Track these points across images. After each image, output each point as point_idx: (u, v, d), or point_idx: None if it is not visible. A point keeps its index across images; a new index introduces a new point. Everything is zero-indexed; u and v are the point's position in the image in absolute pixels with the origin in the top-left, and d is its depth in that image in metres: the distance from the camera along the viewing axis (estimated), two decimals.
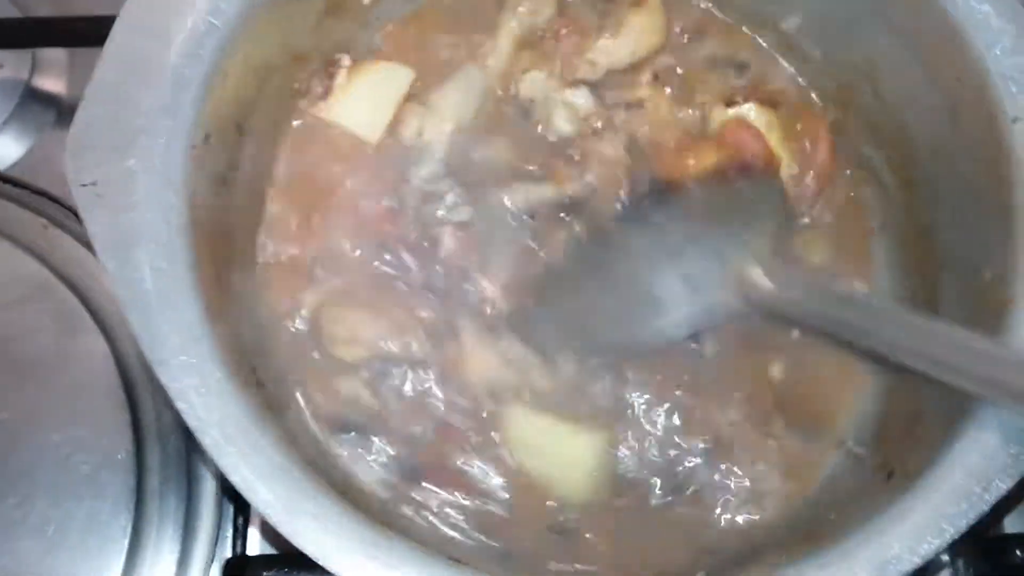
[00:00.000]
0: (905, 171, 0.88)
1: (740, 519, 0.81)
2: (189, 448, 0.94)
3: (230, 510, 0.95)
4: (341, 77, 0.88)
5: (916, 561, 0.64)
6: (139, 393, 0.93)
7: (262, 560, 0.91)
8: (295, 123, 0.88)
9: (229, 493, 0.95)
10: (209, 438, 0.63)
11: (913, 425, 0.77)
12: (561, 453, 0.82)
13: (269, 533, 0.95)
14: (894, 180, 0.90)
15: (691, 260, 0.82)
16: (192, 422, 0.63)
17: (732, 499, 0.82)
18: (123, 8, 0.71)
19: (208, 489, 0.94)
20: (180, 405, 0.63)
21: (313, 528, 0.62)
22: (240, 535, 0.94)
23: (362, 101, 0.88)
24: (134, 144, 0.68)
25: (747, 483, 0.83)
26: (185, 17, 0.71)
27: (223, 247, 0.75)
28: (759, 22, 0.94)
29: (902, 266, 0.90)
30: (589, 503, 0.81)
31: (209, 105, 0.72)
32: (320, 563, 0.62)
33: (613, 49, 0.89)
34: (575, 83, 0.89)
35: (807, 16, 0.90)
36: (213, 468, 0.95)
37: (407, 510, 0.80)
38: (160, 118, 0.69)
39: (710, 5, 0.95)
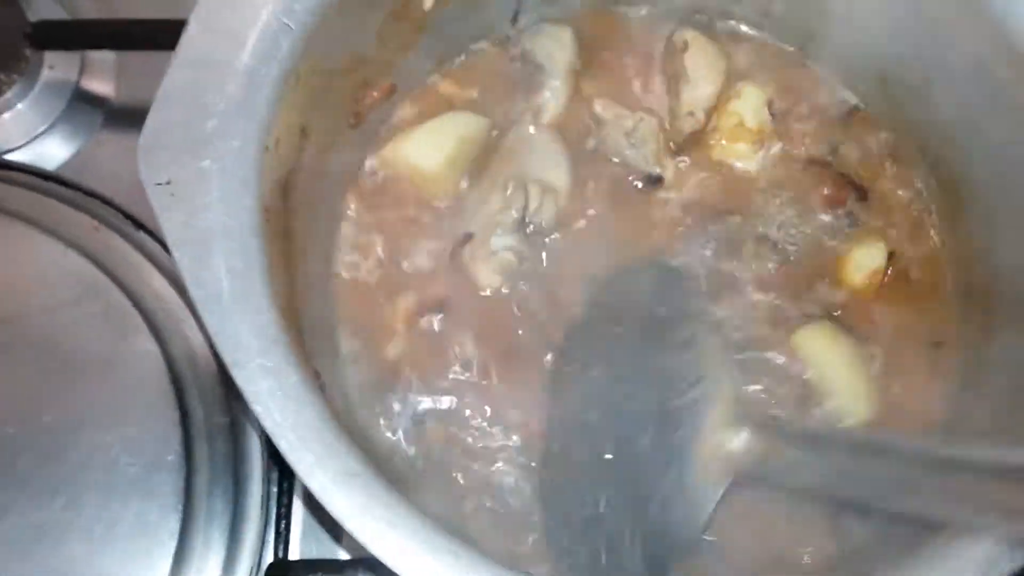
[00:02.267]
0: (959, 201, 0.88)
1: None
2: (236, 451, 0.94)
3: (273, 513, 0.94)
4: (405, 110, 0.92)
5: None
6: (188, 395, 0.93)
7: (304, 564, 0.91)
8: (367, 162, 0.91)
9: (274, 497, 0.94)
10: (286, 442, 0.63)
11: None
12: None
13: (310, 537, 0.95)
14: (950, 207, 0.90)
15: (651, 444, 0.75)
16: (268, 425, 0.63)
17: None
18: (195, 9, 0.71)
19: (254, 492, 0.94)
20: (256, 408, 0.63)
21: (389, 536, 0.62)
22: (283, 539, 0.94)
23: (432, 146, 0.90)
24: (208, 145, 0.68)
25: None
26: (258, 18, 0.71)
27: (288, 251, 0.75)
28: None
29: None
30: None
31: (281, 107, 0.72)
32: (395, 571, 0.61)
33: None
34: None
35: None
36: (259, 468, 0.94)
37: None
38: (234, 119, 0.69)
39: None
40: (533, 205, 0.87)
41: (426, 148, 0.90)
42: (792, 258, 0.88)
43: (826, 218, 0.90)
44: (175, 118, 0.68)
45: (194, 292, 0.65)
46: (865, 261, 0.88)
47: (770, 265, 0.88)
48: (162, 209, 0.66)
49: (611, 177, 0.91)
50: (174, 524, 0.88)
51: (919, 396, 0.84)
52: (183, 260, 0.65)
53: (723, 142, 0.92)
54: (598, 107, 0.92)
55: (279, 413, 0.63)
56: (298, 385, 0.64)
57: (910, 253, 0.89)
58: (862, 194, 0.90)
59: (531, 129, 0.91)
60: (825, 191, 0.90)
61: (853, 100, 0.94)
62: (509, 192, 0.87)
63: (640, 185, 0.91)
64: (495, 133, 0.92)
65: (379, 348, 0.85)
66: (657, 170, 0.91)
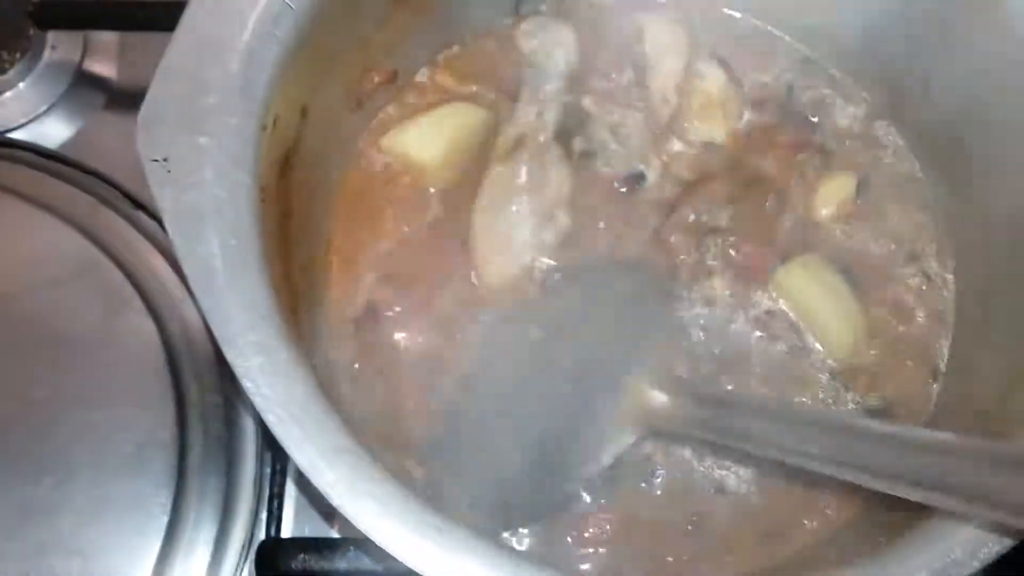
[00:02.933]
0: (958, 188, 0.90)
1: None
2: (230, 430, 0.94)
3: (266, 493, 0.95)
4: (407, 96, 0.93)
5: (975, 565, 0.64)
6: (184, 374, 0.93)
7: (296, 543, 0.91)
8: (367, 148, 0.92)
9: (266, 477, 0.95)
10: (274, 416, 0.63)
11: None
12: None
13: (302, 517, 0.96)
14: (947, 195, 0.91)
15: (589, 392, 0.81)
16: (257, 400, 0.63)
17: None
18: None
19: (247, 471, 0.95)
20: (246, 384, 0.63)
21: (375, 510, 0.62)
22: (274, 518, 0.94)
23: (430, 137, 0.91)
24: (205, 122, 0.68)
25: None
26: None
27: (286, 231, 0.75)
28: None
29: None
30: None
31: (280, 87, 0.72)
32: (381, 545, 0.61)
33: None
34: None
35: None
36: (253, 449, 0.95)
37: None
38: (232, 97, 0.69)
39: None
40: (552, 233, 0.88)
41: (425, 139, 0.91)
42: (766, 208, 0.91)
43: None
44: (174, 93, 0.69)
45: (187, 267, 0.65)
46: (833, 193, 0.91)
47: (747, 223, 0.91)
48: (158, 184, 0.66)
49: (597, 182, 0.92)
50: (166, 501, 0.89)
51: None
52: (177, 236, 0.65)
53: (695, 122, 0.93)
54: (587, 102, 0.92)
55: (268, 388, 0.63)
56: (288, 362, 0.64)
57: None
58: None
59: (540, 137, 0.91)
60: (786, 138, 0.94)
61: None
62: (532, 226, 0.88)
63: (624, 190, 0.92)
64: (494, 125, 0.93)
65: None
66: (640, 167, 0.92)
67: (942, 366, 0.89)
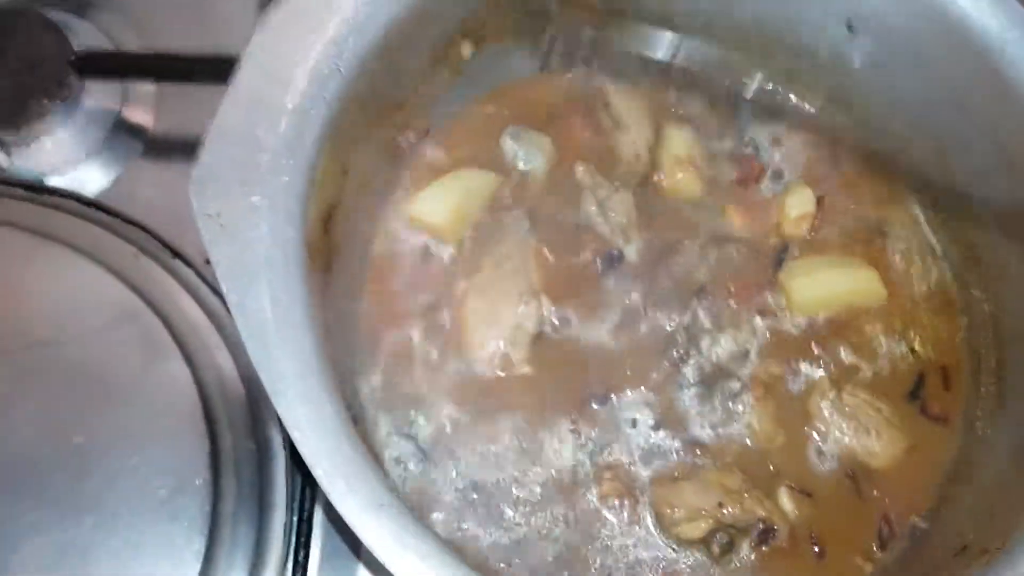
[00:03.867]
0: (974, 249, 0.92)
1: None
2: (262, 477, 0.95)
3: (293, 542, 0.95)
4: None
5: None
6: (218, 420, 0.94)
7: None
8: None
9: (294, 524, 0.96)
10: (321, 469, 0.65)
11: (984, 498, 0.78)
12: None
13: (327, 568, 0.97)
14: (963, 256, 0.94)
15: None
16: (305, 451, 0.65)
17: None
18: (248, 50, 0.74)
19: (278, 519, 0.95)
20: (295, 434, 0.65)
21: (420, 567, 0.63)
22: (300, 567, 0.95)
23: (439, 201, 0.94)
24: (258, 180, 0.71)
25: None
26: (308, 60, 0.74)
27: (326, 285, 0.77)
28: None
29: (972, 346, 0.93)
30: None
31: (327, 145, 0.74)
32: None
33: None
34: None
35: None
36: (283, 498, 0.96)
37: None
38: (283, 156, 0.72)
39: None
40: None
41: (434, 203, 0.94)
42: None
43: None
44: (227, 153, 0.71)
45: (240, 321, 0.67)
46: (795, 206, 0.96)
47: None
48: (211, 241, 0.68)
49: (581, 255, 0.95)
50: (199, 547, 0.89)
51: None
52: (230, 290, 0.68)
53: (664, 179, 0.97)
54: (579, 172, 0.96)
55: (316, 441, 0.65)
56: (333, 415, 0.67)
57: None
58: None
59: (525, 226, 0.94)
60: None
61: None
62: (522, 308, 0.90)
63: (600, 268, 0.94)
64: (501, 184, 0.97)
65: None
66: (620, 243, 0.94)
67: None
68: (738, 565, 0.84)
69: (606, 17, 0.96)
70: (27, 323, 0.96)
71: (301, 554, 0.95)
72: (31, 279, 0.98)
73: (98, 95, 1.14)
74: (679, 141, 0.98)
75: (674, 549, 0.85)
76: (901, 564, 0.84)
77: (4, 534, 0.87)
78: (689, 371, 0.90)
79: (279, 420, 0.68)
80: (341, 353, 0.81)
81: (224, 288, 0.67)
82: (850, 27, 0.89)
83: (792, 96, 1.00)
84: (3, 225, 0.99)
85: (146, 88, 1.16)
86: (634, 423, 0.88)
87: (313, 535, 0.96)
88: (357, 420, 0.77)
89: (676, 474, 0.86)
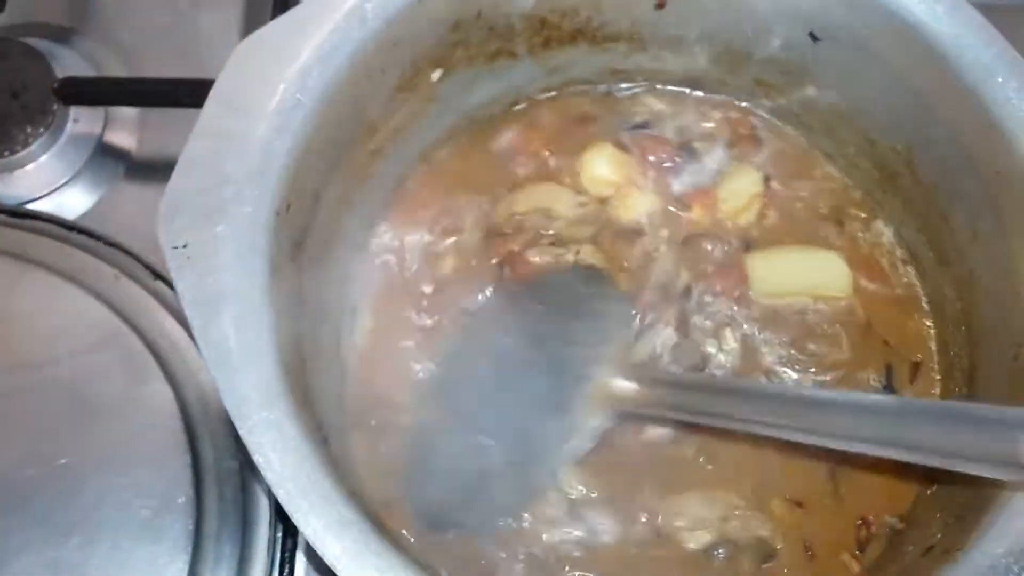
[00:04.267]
0: (943, 251, 0.93)
1: None
2: (245, 495, 0.97)
3: (277, 559, 0.98)
4: None
5: None
6: (200, 439, 0.96)
7: None
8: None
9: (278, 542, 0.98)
10: (284, 491, 0.67)
11: (951, 503, 0.79)
12: None
13: None
14: (932, 259, 0.94)
15: (554, 387, 0.86)
16: (269, 475, 0.67)
17: None
18: (216, 84, 0.76)
19: (261, 537, 0.97)
20: (258, 459, 0.67)
21: None
22: None
23: None
24: (223, 211, 0.73)
25: None
26: (274, 94, 0.76)
27: (299, 315, 0.79)
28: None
29: (942, 343, 0.94)
30: None
31: (293, 175, 0.76)
32: None
33: None
34: None
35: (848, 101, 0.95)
36: (266, 515, 0.98)
37: None
38: (248, 187, 0.73)
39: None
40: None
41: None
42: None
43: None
44: (193, 185, 0.73)
45: (204, 350, 0.69)
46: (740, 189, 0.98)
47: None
48: (177, 271, 0.70)
49: None
50: (183, 565, 0.91)
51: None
52: (195, 319, 0.69)
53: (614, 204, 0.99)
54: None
55: (279, 464, 0.67)
56: (298, 439, 0.68)
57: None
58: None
59: None
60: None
61: None
62: None
63: None
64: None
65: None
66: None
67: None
68: None
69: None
70: (10, 346, 0.98)
71: (285, 570, 0.97)
72: (14, 303, 1.00)
73: (81, 119, 1.16)
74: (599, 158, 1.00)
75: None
76: (880, 565, 0.86)
77: None
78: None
79: None
80: (314, 374, 0.83)
81: (189, 317, 0.69)
82: (813, 36, 0.90)
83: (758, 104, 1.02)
84: None
85: (129, 112, 1.19)
86: None
87: (297, 551, 0.98)
88: (328, 440, 0.78)
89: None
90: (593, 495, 0.87)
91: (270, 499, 0.97)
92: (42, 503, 0.92)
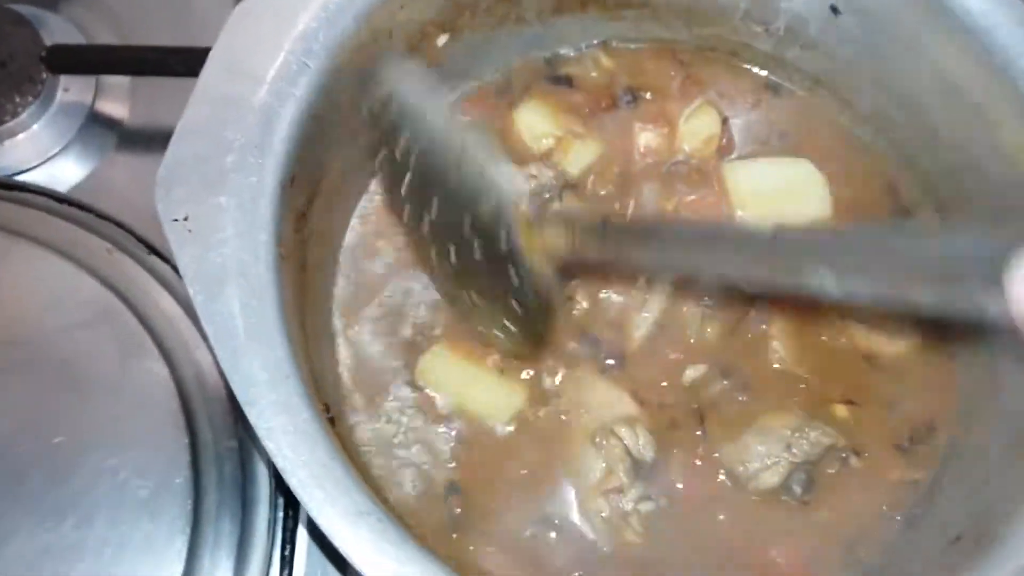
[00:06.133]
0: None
1: None
2: (245, 474, 0.95)
3: (279, 538, 0.95)
4: None
5: None
6: (197, 418, 0.94)
7: None
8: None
9: (279, 522, 0.95)
10: (296, 479, 0.64)
11: (979, 489, 0.77)
12: None
13: (314, 560, 0.96)
14: None
15: None
16: (280, 462, 0.64)
17: None
18: (215, 47, 0.72)
19: (261, 516, 0.95)
20: (268, 445, 0.64)
21: (397, 574, 0.62)
22: (287, 564, 0.94)
23: None
24: (225, 181, 0.69)
25: None
26: (277, 57, 0.73)
27: (302, 283, 0.76)
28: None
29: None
30: None
31: (298, 143, 0.73)
32: None
33: None
34: None
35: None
36: (267, 494, 0.95)
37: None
38: (251, 156, 0.70)
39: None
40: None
41: None
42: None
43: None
44: (193, 153, 0.70)
45: (208, 328, 0.66)
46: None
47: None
48: (178, 245, 0.67)
49: None
50: (181, 546, 0.89)
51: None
52: (198, 296, 0.66)
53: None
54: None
55: (290, 450, 0.64)
56: (309, 422, 0.65)
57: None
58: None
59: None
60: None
61: None
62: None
63: None
64: None
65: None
66: None
67: None
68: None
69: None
70: (1, 322, 0.95)
71: (287, 550, 0.94)
72: (3, 278, 0.97)
73: (71, 88, 1.13)
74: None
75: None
76: (896, 553, 0.83)
77: None
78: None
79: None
80: (318, 350, 0.80)
81: (192, 294, 0.66)
82: (834, 9, 0.87)
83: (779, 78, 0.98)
84: None
85: (120, 80, 1.15)
86: None
87: (300, 531, 0.96)
88: (336, 420, 0.76)
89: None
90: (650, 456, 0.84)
91: (270, 477, 0.95)
92: (36, 484, 0.89)
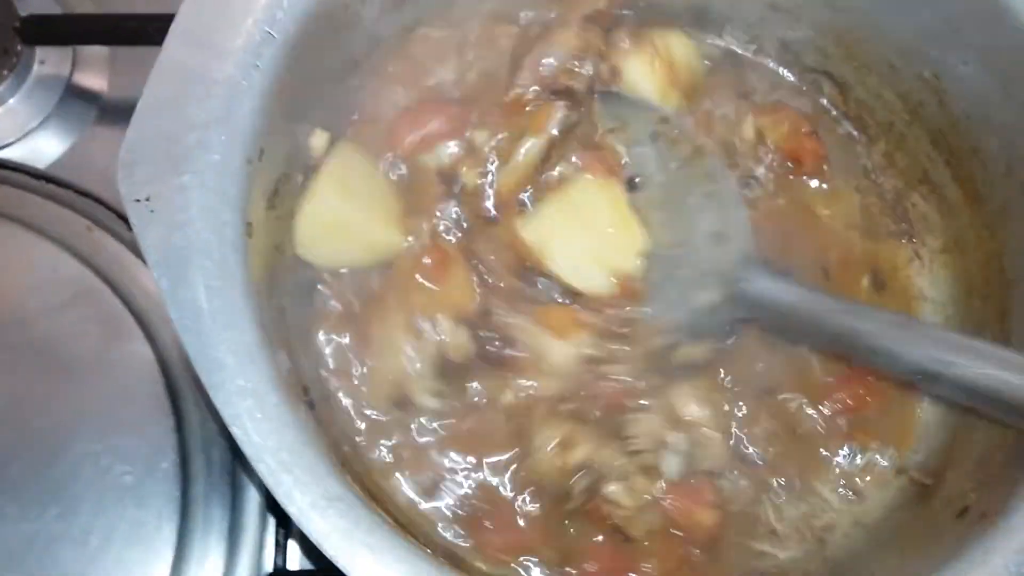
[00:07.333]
0: (973, 186, 0.86)
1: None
2: (234, 458, 0.92)
3: (272, 522, 0.93)
4: None
5: None
6: (184, 400, 0.92)
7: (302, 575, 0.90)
8: None
9: (272, 506, 0.93)
10: (264, 465, 0.61)
11: (986, 462, 0.74)
12: None
13: (310, 548, 0.94)
14: (959, 195, 0.87)
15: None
16: (247, 449, 0.61)
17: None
18: (175, 20, 0.69)
19: (252, 499, 0.93)
20: (235, 431, 0.62)
21: (370, 561, 0.60)
22: (281, 548, 0.92)
23: None
24: (188, 159, 0.66)
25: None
26: (241, 28, 0.69)
27: (273, 262, 0.73)
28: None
29: (967, 286, 0.87)
30: None
31: (266, 118, 0.69)
32: None
33: None
34: None
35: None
36: (258, 480, 0.93)
37: None
38: (214, 132, 0.67)
39: None
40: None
41: None
42: None
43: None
44: (155, 131, 0.67)
45: (173, 311, 0.63)
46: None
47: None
48: (141, 227, 0.64)
49: None
50: (170, 533, 0.87)
51: None
52: (162, 280, 0.64)
53: None
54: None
55: (258, 435, 0.62)
56: (279, 406, 0.63)
57: None
58: None
59: None
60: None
61: None
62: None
63: None
64: None
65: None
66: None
67: None
68: None
69: None
70: None
71: (280, 534, 0.92)
72: None
73: (48, 60, 1.10)
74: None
75: None
76: (904, 522, 0.81)
77: None
78: None
79: None
80: (297, 332, 0.77)
81: (155, 276, 0.64)
82: None
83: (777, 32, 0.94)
84: None
85: (98, 51, 1.12)
86: None
87: None
88: (314, 404, 0.73)
89: None
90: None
91: None
92: (17, 472, 0.88)
